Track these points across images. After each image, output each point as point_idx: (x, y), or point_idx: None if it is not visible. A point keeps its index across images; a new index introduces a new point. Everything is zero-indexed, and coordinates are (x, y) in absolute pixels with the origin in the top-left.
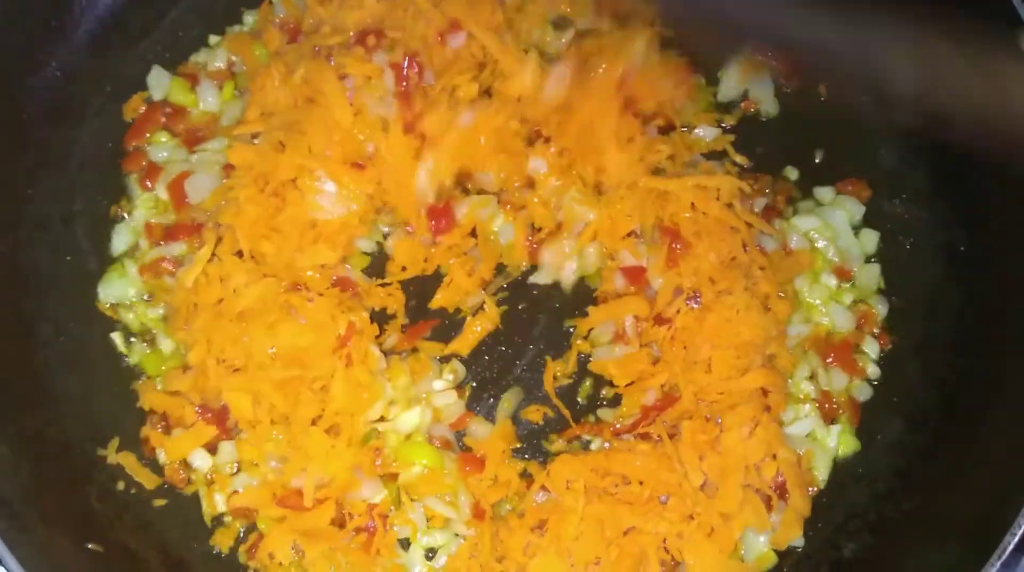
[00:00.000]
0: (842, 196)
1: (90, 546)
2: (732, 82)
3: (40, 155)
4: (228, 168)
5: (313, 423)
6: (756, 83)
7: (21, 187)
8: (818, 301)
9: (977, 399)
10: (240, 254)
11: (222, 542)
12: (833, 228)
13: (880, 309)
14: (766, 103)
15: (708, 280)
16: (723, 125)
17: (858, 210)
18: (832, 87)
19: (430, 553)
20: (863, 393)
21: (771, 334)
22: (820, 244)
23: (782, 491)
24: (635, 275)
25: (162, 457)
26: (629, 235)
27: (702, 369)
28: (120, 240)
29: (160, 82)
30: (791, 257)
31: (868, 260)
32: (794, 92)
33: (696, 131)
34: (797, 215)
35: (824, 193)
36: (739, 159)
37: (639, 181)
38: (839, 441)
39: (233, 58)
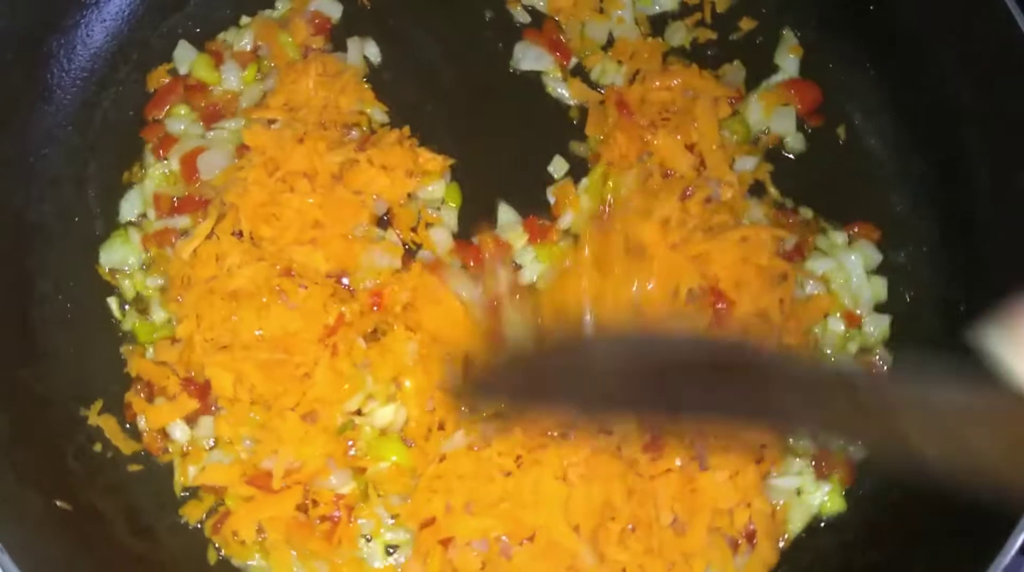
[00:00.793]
0: (858, 240)
1: (58, 503)
2: (757, 115)
3: (60, 116)
4: (242, 149)
5: (292, 409)
6: (780, 117)
7: (38, 145)
8: (829, 350)
9: None
10: (240, 235)
11: (191, 514)
12: (846, 272)
13: (888, 360)
14: (791, 138)
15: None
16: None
17: (876, 256)
18: (851, 130)
19: (391, 549)
20: (858, 451)
21: None
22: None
23: (751, 538)
24: None
25: (142, 424)
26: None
27: None
28: (128, 207)
29: (186, 56)
30: (811, 302)
31: (876, 309)
32: (812, 132)
33: (736, 163)
34: (811, 257)
35: (836, 236)
36: (775, 193)
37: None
38: (827, 500)
39: (259, 42)
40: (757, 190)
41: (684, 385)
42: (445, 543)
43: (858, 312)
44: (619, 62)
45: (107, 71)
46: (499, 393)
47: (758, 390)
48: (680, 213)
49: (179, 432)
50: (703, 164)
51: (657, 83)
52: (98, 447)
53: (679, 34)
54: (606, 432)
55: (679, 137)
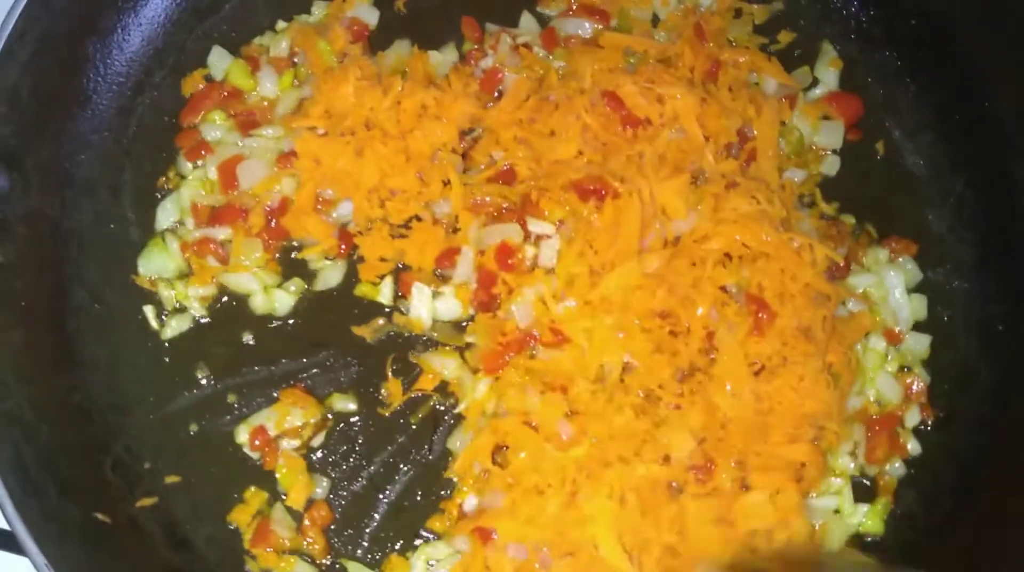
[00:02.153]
0: (900, 256)
1: (98, 516)
2: (804, 129)
3: (95, 121)
4: (282, 159)
5: None
6: (827, 131)
7: (73, 151)
8: (869, 367)
9: (998, 482)
10: None
11: (238, 519)
12: (886, 289)
13: (926, 379)
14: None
15: (781, 344)
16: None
17: (916, 273)
18: (889, 146)
19: (431, 563)
20: (898, 472)
21: (832, 409)
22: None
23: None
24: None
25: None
26: None
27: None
28: (164, 215)
29: (221, 62)
30: (853, 320)
31: (915, 327)
32: (851, 146)
33: (785, 174)
34: (852, 273)
35: (878, 252)
36: (827, 207)
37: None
38: (867, 520)
39: (296, 48)
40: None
41: None
42: (484, 537)
43: (898, 330)
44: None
45: (143, 76)
46: None
47: None
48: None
49: None
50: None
51: (725, 55)
52: (136, 457)
53: None
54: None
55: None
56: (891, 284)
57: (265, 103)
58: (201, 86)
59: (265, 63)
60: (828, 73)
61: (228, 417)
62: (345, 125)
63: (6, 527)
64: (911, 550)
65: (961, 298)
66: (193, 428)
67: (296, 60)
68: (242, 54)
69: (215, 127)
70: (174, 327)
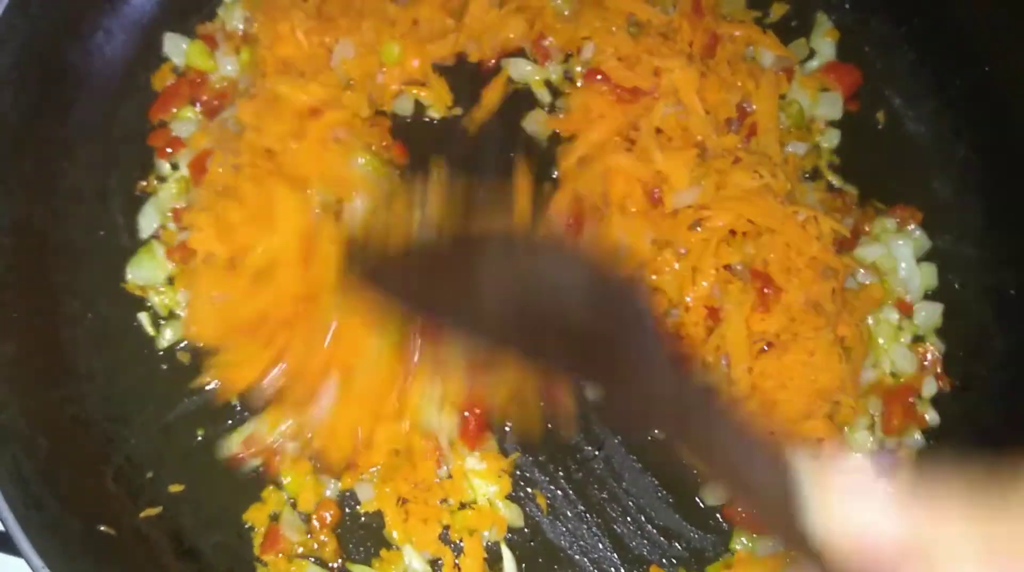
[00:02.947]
0: (907, 225)
1: (102, 528)
2: (804, 101)
3: (79, 127)
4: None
5: None
6: (826, 102)
7: (58, 158)
8: (882, 340)
9: (1019, 448)
10: None
11: (255, 519)
12: (895, 259)
13: (940, 348)
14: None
15: (790, 320)
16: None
17: (925, 242)
18: (890, 115)
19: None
20: (917, 443)
21: (845, 382)
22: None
23: None
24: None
25: None
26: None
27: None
28: (146, 222)
29: (178, 47)
30: (864, 292)
31: (926, 296)
32: (851, 116)
33: (787, 148)
34: (860, 243)
35: (886, 221)
36: (832, 178)
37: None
38: None
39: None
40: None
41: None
42: None
43: (908, 299)
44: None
45: (126, 78)
46: (387, 285)
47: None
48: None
49: None
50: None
51: (722, 28)
52: (137, 467)
53: None
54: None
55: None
56: (900, 254)
57: (225, 84)
58: (171, 81)
59: (222, 41)
60: (824, 44)
61: (230, 421)
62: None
63: (1, 528)
64: None
65: (971, 264)
66: (196, 435)
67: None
68: (197, 34)
69: (187, 123)
70: (169, 335)
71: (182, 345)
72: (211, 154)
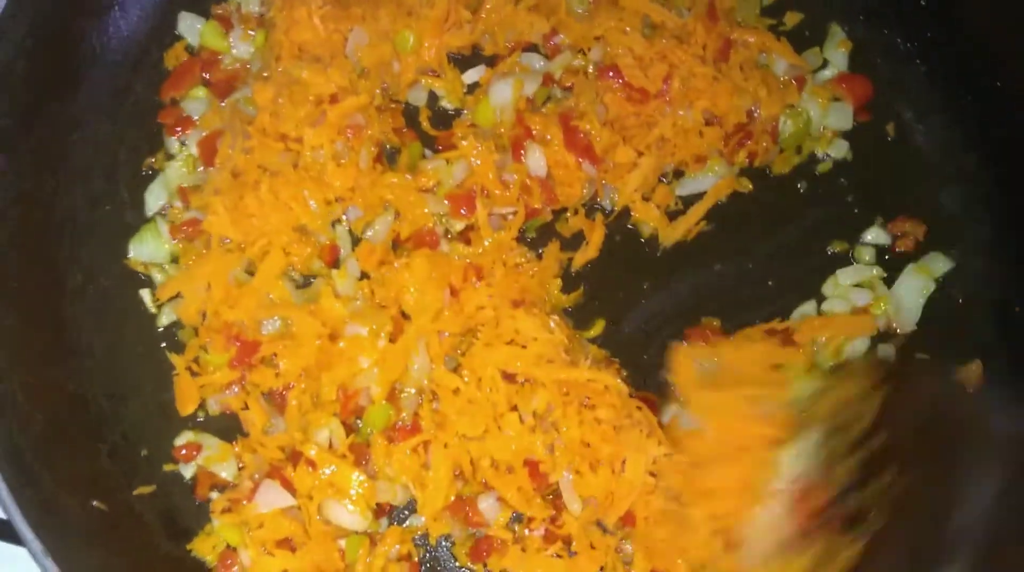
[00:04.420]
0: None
1: (95, 504)
2: (814, 111)
3: (90, 101)
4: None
5: None
6: (836, 113)
7: (67, 131)
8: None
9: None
10: None
11: (199, 548)
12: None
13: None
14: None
15: None
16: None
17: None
18: (900, 127)
19: None
20: None
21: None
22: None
23: None
24: None
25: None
26: None
27: None
28: (153, 199)
29: (193, 27)
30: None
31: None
32: (860, 127)
33: (823, 153)
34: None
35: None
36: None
37: None
38: None
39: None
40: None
41: None
42: None
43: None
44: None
45: (139, 55)
46: None
47: None
48: None
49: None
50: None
51: (736, 34)
52: (133, 445)
53: None
54: None
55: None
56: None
57: (237, 65)
58: (184, 59)
59: (237, 22)
60: (837, 54)
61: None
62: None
63: (3, 516)
64: None
65: (975, 280)
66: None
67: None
68: (213, 14)
69: (198, 102)
70: (169, 313)
71: (181, 326)
72: (221, 135)
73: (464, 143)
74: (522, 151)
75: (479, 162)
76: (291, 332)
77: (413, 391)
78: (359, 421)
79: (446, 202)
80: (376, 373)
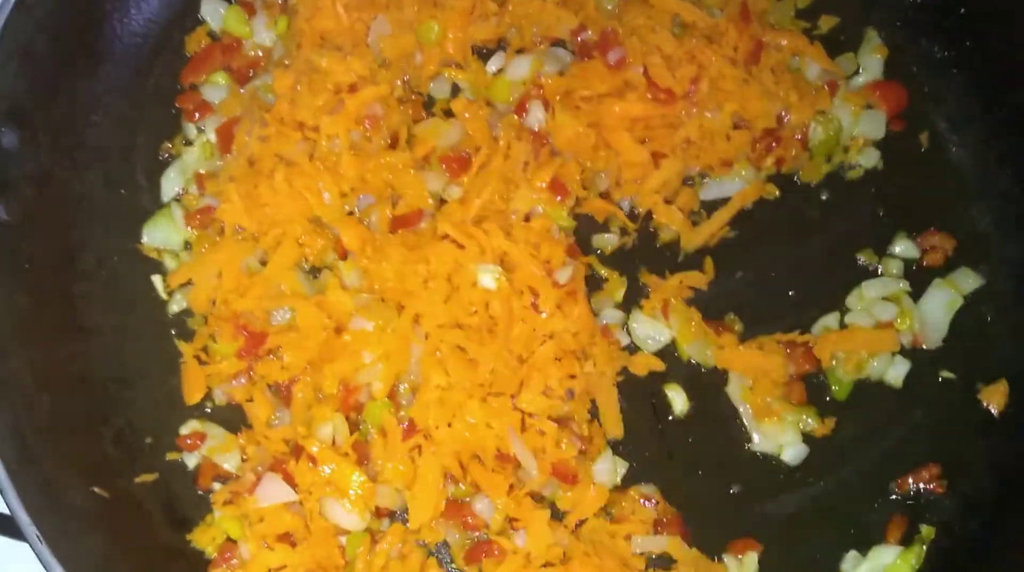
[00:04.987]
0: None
1: (96, 490)
2: (846, 119)
3: (110, 82)
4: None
5: None
6: (869, 120)
7: (86, 112)
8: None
9: None
10: None
11: (199, 539)
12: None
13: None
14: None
15: None
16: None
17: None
18: (934, 138)
19: None
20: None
21: None
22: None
23: None
24: None
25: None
26: None
27: None
28: (169, 184)
29: (216, 11)
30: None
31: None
32: (893, 136)
33: (853, 161)
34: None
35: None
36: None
37: None
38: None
39: None
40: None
41: None
42: None
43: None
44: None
45: (161, 37)
46: None
47: None
48: None
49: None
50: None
51: (768, 36)
52: (137, 432)
53: None
54: None
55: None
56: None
57: (259, 52)
58: (204, 44)
59: (260, 7)
60: (872, 60)
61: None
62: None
63: (6, 512)
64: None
65: (1005, 298)
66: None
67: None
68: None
69: (218, 88)
70: (180, 300)
71: (191, 313)
72: (239, 122)
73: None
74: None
75: (468, 115)
76: (297, 324)
77: (406, 387)
78: (363, 419)
79: (444, 169)
80: (379, 368)
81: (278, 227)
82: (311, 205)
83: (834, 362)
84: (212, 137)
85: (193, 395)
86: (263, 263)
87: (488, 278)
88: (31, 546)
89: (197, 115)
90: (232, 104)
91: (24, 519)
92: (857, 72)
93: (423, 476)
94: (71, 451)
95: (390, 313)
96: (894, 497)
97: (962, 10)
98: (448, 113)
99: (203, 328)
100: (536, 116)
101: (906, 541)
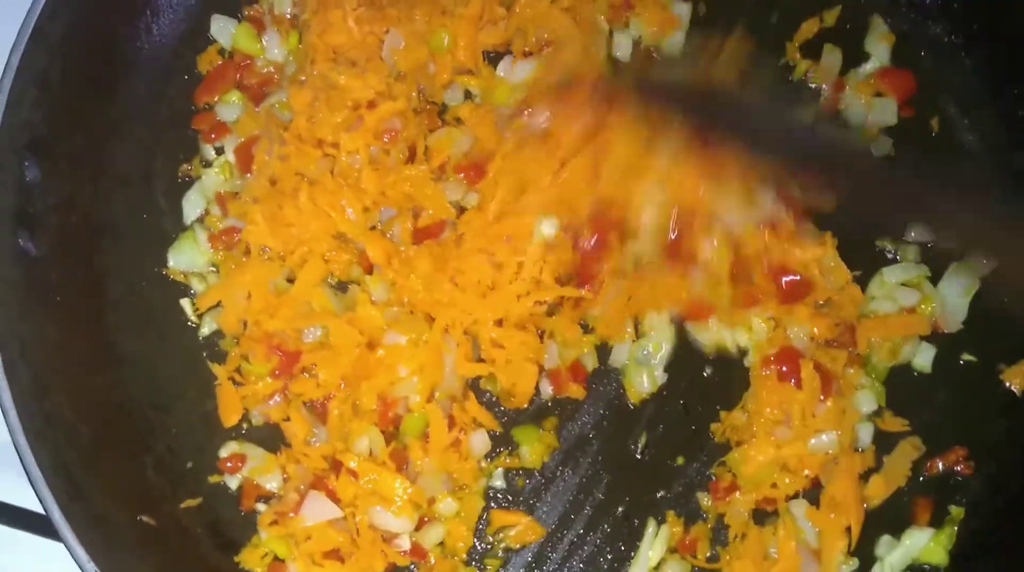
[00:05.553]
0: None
1: (143, 518)
2: (856, 107)
3: (126, 107)
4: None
5: None
6: (880, 108)
7: (104, 138)
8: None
9: None
10: None
11: (247, 559)
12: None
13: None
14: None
15: None
16: None
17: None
18: (944, 123)
19: None
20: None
21: None
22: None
23: None
24: None
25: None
26: None
27: None
28: (191, 206)
29: (225, 29)
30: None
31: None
32: (903, 123)
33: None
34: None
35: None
36: None
37: None
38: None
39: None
40: None
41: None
42: None
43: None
44: None
45: (173, 59)
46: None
47: None
48: None
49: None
50: None
51: None
52: (178, 457)
53: None
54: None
55: None
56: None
57: (271, 68)
58: (217, 63)
59: (269, 24)
60: (879, 48)
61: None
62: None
63: (40, 511)
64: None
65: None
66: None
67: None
68: (245, 16)
69: (232, 107)
70: (210, 322)
71: (223, 335)
72: (257, 141)
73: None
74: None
75: (476, 120)
76: (329, 341)
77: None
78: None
79: (463, 178)
80: (415, 381)
81: (304, 245)
82: (336, 222)
83: (869, 349)
84: (231, 157)
85: (230, 417)
86: (290, 281)
87: (548, 226)
88: None
89: (214, 135)
90: (248, 123)
91: (82, 556)
92: (864, 60)
93: None
94: (116, 481)
95: (421, 325)
96: (922, 479)
97: None
98: (460, 120)
99: (235, 349)
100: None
101: (935, 523)
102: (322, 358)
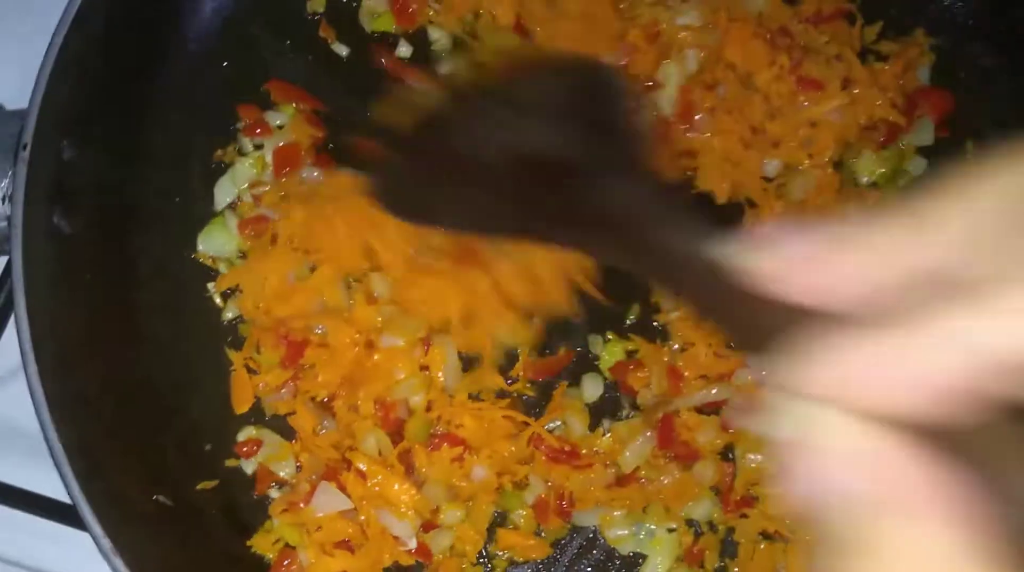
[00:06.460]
0: None
1: (160, 499)
2: None
3: (166, 90)
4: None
5: None
6: (916, 128)
7: (141, 120)
8: None
9: None
10: None
11: (258, 544)
12: None
13: None
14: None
15: None
16: None
17: None
18: (980, 146)
19: None
20: None
21: None
22: None
23: None
24: None
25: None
26: None
27: None
28: (223, 192)
29: None
30: None
31: None
32: (939, 143)
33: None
34: None
35: None
36: None
37: None
38: None
39: None
40: None
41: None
42: None
43: None
44: None
45: (215, 44)
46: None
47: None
48: None
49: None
50: None
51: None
52: (197, 438)
53: None
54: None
55: None
56: None
57: None
58: None
59: None
60: (919, 66)
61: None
62: None
63: (68, 501)
64: None
65: None
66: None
67: None
68: None
69: (280, 114)
70: (234, 307)
71: (244, 320)
72: (299, 150)
73: None
74: None
75: None
76: (329, 340)
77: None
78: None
79: None
80: (414, 384)
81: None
82: (370, 241)
83: None
84: (268, 157)
85: (241, 405)
86: (312, 270)
87: None
88: (106, 560)
89: (258, 131)
90: (291, 132)
91: (98, 532)
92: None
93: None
94: (135, 461)
95: (417, 325)
96: None
97: (1012, 16)
98: None
99: (251, 336)
100: None
101: None
102: (322, 358)
